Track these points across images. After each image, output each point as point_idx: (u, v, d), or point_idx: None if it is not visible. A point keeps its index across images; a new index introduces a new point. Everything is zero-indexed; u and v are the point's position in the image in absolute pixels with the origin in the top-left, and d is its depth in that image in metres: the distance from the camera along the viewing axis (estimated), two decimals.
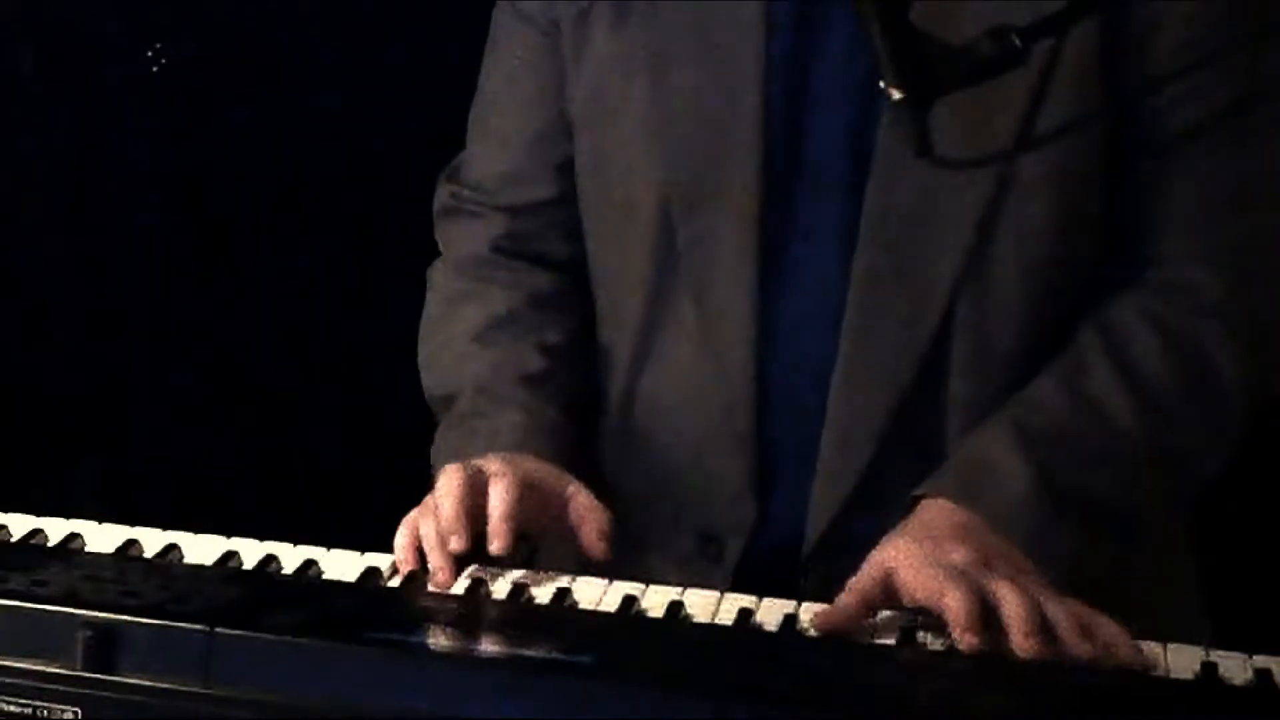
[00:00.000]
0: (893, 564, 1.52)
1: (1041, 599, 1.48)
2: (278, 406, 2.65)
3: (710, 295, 1.73)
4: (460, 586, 1.56)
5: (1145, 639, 1.47)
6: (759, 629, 1.49)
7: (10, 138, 2.58)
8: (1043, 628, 1.45)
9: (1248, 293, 1.69)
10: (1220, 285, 1.68)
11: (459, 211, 1.92)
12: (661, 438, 1.79)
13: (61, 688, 1.35)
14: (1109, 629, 1.47)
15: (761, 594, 1.54)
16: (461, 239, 1.91)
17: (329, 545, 1.59)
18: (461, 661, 1.36)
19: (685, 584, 1.56)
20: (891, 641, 1.47)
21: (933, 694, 1.39)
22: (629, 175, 1.77)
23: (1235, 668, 1.43)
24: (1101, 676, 1.42)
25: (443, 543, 1.57)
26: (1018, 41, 1.49)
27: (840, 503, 1.71)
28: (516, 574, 1.58)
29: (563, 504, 1.66)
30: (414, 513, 1.63)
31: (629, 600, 1.54)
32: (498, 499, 1.59)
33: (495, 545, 1.57)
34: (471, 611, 1.50)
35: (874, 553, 1.56)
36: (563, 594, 1.55)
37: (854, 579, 1.53)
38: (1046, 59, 1.62)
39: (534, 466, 1.67)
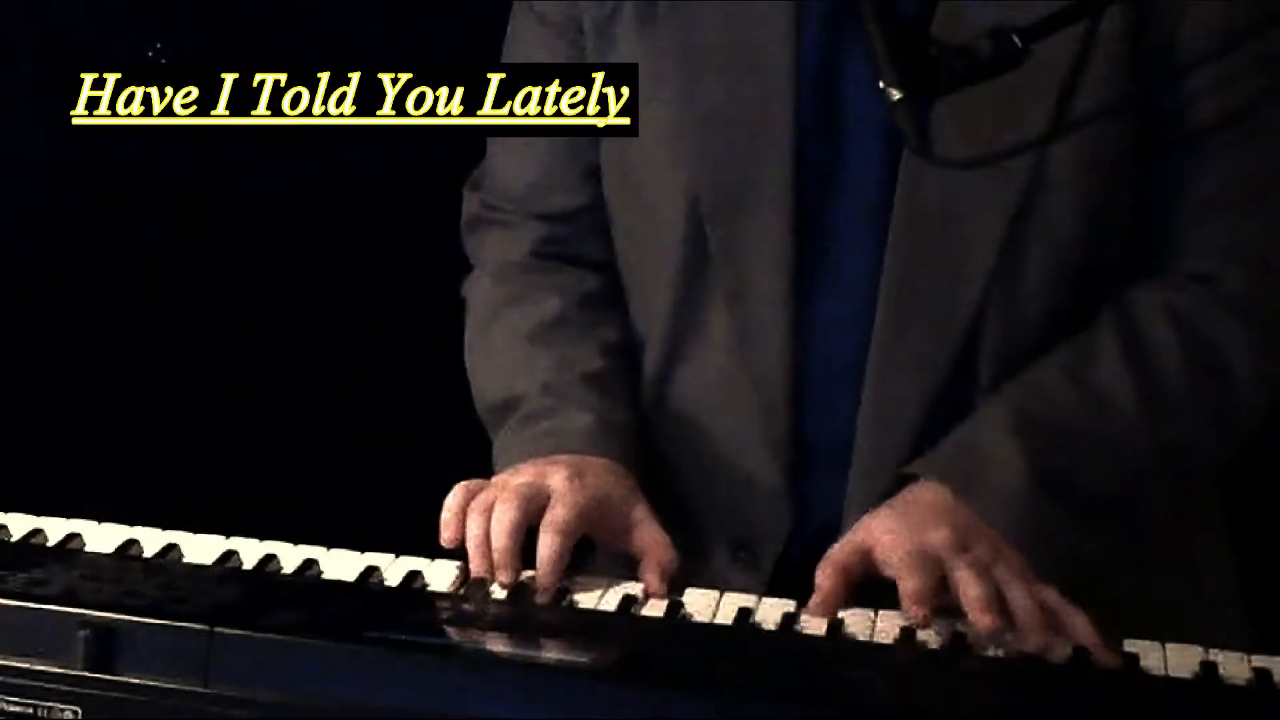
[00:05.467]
0: (873, 541, 1.55)
1: (1007, 584, 1.50)
2: (278, 406, 2.65)
3: (744, 300, 1.71)
4: (460, 586, 1.56)
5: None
6: (759, 629, 1.49)
7: (10, 137, 2.58)
8: (1004, 611, 1.48)
9: (1269, 286, 1.68)
10: (1241, 278, 1.67)
11: (490, 221, 1.89)
12: (691, 443, 1.77)
13: (61, 687, 1.35)
14: (1076, 621, 1.48)
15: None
16: (497, 247, 1.88)
17: (329, 545, 1.59)
18: (461, 661, 1.36)
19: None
20: (891, 641, 1.47)
21: (932, 693, 1.39)
22: (657, 178, 1.74)
23: (1235, 668, 1.43)
24: (1100, 675, 1.43)
25: (485, 549, 1.56)
26: (1018, 41, 1.49)
27: (876, 499, 1.67)
28: None
29: (627, 527, 1.63)
30: (464, 493, 1.60)
31: (629, 600, 1.54)
32: (548, 541, 1.56)
33: (544, 579, 1.55)
34: (471, 611, 1.50)
35: (856, 527, 1.58)
36: (562, 594, 1.55)
37: (834, 551, 1.55)
38: (1077, 50, 1.61)
39: (602, 482, 1.64)
